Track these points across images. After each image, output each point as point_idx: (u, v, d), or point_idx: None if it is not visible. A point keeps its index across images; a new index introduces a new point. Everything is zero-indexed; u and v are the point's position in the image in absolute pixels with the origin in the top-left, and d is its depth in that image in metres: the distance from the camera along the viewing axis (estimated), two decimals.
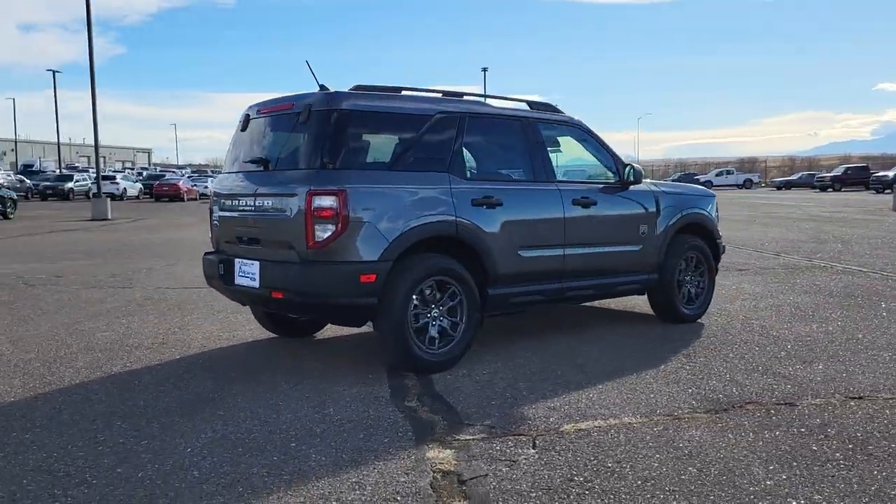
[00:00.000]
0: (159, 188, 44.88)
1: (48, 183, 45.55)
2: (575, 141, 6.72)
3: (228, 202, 5.83)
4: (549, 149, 6.38)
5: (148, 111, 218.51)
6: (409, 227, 5.26)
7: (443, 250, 5.56)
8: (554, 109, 6.62)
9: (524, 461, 3.80)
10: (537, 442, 4.07)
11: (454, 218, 5.48)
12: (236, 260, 5.65)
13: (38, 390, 5.17)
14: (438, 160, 5.60)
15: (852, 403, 4.73)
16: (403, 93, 5.77)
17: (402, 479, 3.58)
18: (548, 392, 4.99)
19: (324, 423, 4.39)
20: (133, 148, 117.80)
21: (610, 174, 6.76)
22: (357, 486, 3.49)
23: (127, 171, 64.80)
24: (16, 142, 75.83)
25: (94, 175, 33.29)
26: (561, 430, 4.27)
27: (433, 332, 5.48)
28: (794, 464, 3.75)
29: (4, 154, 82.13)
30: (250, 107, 6.00)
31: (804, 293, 8.88)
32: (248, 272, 5.51)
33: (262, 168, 5.59)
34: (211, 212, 6.13)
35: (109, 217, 27.03)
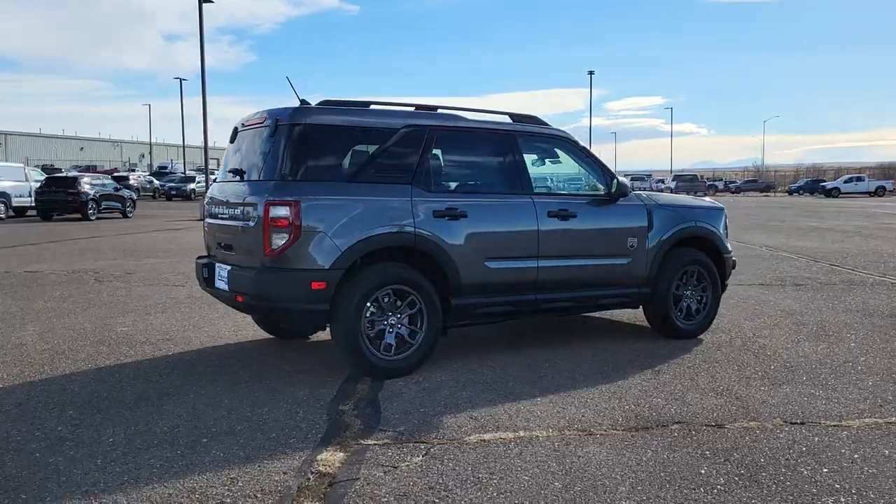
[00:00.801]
0: None
1: (173, 184, 48.40)
2: (560, 153, 6.73)
3: (214, 209, 6.21)
4: (530, 161, 6.43)
5: None
6: (362, 238, 5.46)
7: (405, 260, 5.72)
8: (538, 122, 6.66)
9: (404, 467, 3.94)
10: (432, 450, 4.18)
11: (413, 229, 5.64)
12: (217, 264, 6.01)
13: (29, 378, 5.69)
14: (402, 173, 5.78)
15: (786, 428, 4.59)
16: (372, 107, 5.97)
17: (276, 479, 3.79)
18: (484, 402, 5.07)
19: (248, 422, 4.66)
20: None
21: (598, 187, 6.73)
22: (229, 482, 3.73)
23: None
24: (150, 145, 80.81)
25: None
26: (464, 439, 4.37)
27: (390, 339, 5.66)
28: (667, 486, 3.72)
29: (143, 156, 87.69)
30: (240, 120, 6.36)
31: (844, 311, 8.49)
32: (222, 276, 5.87)
33: (238, 178, 5.93)
34: (203, 217, 6.54)
35: None
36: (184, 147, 58.48)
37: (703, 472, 3.91)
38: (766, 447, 4.27)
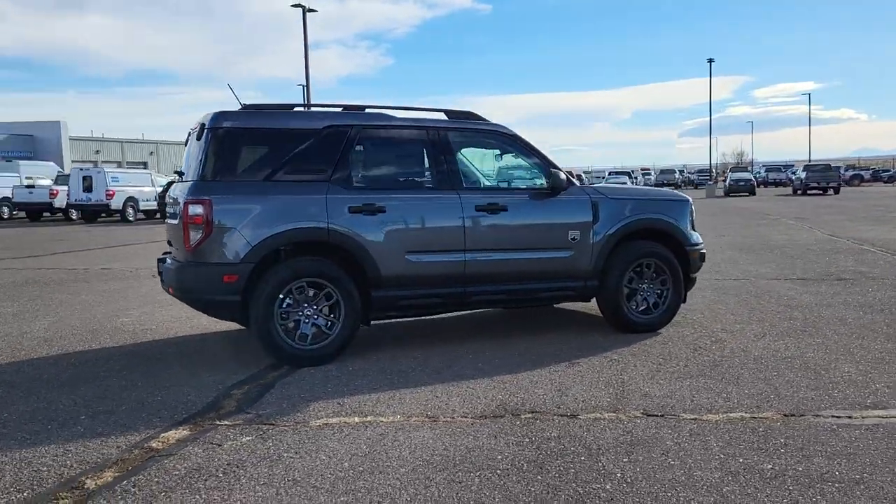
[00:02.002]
0: None
1: None
2: (499, 148, 6.81)
3: (168, 209, 6.73)
4: (465, 157, 6.56)
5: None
6: (273, 233, 5.79)
7: (323, 254, 6.01)
8: (476, 118, 6.76)
9: (227, 445, 4.23)
10: (268, 432, 4.45)
11: (326, 225, 5.91)
12: (167, 260, 6.52)
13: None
14: (320, 172, 6.06)
15: (636, 420, 4.55)
16: (296, 109, 6.28)
17: (104, 451, 4.16)
18: (368, 390, 5.28)
19: (137, 402, 5.09)
20: None
21: (539, 181, 6.76)
22: (62, 453, 4.14)
23: None
24: None
25: None
26: (309, 423, 4.61)
27: (305, 329, 5.95)
28: (450, 469, 3.82)
29: None
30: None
31: (855, 307, 8.03)
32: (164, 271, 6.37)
33: (180, 179, 6.41)
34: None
35: None
36: None
37: (499, 457, 3.97)
38: (596, 437, 4.26)
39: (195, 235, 5.75)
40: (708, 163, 71.01)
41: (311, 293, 5.96)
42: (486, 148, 6.84)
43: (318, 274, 5.91)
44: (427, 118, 6.55)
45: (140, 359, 6.36)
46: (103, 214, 30.67)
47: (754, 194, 46.23)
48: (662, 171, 77.05)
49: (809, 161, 67.24)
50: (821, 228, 18.65)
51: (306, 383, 5.49)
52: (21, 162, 42.15)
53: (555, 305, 8.11)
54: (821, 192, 43.99)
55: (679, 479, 3.66)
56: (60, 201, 31.06)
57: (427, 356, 6.20)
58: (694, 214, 7.29)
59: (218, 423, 4.65)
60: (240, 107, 6.31)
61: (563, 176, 6.58)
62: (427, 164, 6.43)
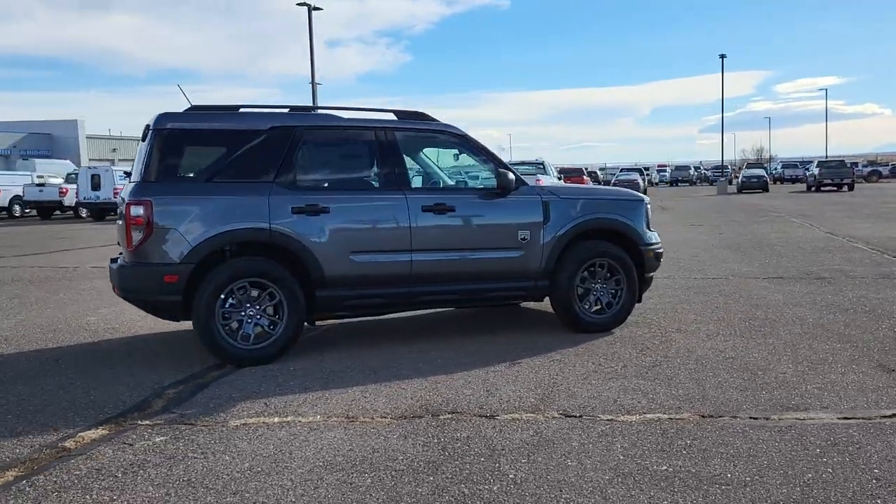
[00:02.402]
0: None
1: None
2: (449, 149, 6.82)
3: (119, 209, 6.79)
4: (412, 157, 6.59)
5: (432, 114, 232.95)
6: (213, 234, 5.85)
7: (266, 254, 6.06)
8: (425, 118, 6.77)
9: (138, 446, 4.29)
10: (183, 431, 4.51)
11: (268, 225, 5.96)
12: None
13: None
14: (263, 172, 6.11)
15: (551, 421, 4.56)
16: (242, 110, 6.33)
17: (17, 450, 4.24)
18: (299, 390, 5.32)
19: (69, 402, 5.16)
20: None
21: (491, 181, 6.77)
22: None
23: None
24: None
25: None
26: (228, 423, 4.66)
27: (248, 329, 6.01)
28: (346, 470, 3.85)
29: None
30: None
31: (818, 307, 7.98)
32: None
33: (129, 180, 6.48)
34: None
35: None
36: None
37: (400, 458, 4.00)
38: (505, 438, 4.27)
39: (137, 236, 5.82)
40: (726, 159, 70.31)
41: (254, 293, 6.01)
42: (435, 148, 6.85)
43: (259, 274, 5.96)
44: (375, 119, 6.58)
45: (90, 358, 6.44)
46: (112, 213, 30.99)
47: (767, 191, 45.78)
48: (677, 168, 76.63)
49: (826, 157, 66.43)
50: (821, 226, 18.48)
51: (242, 383, 5.54)
52: (37, 160, 42.73)
53: (522, 305, 8.12)
54: (835, 188, 43.51)
55: (569, 480, 3.67)
56: (70, 199, 31.42)
57: (371, 356, 6.24)
58: (650, 214, 7.27)
59: (139, 422, 4.71)
60: (189, 105, 6.34)
61: (511, 176, 6.58)
62: (373, 165, 6.46)
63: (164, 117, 6.06)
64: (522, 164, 28.75)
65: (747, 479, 3.66)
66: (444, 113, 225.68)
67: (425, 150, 6.87)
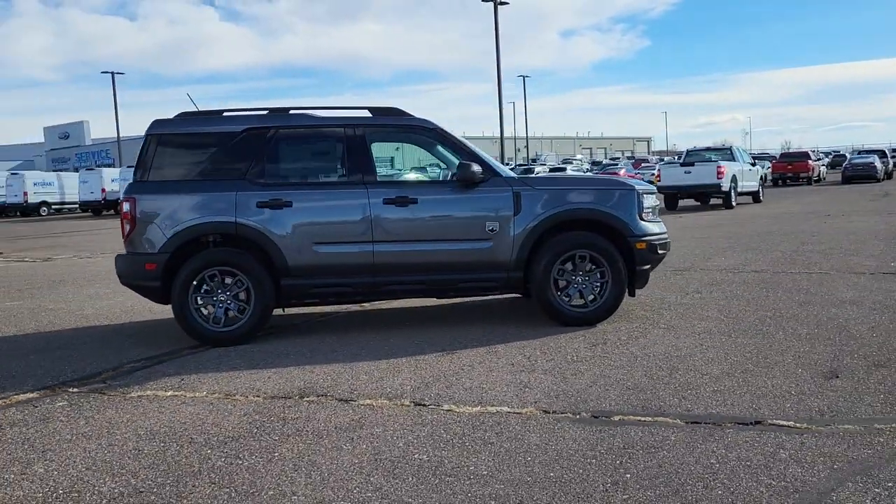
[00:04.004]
0: None
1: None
2: (421, 142, 7.01)
3: None
4: (380, 151, 6.87)
5: (672, 98, 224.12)
6: (184, 227, 6.53)
7: (236, 245, 6.66)
8: (399, 113, 6.99)
9: (38, 408, 5.01)
10: (88, 399, 5.19)
11: (233, 219, 6.55)
12: None
13: None
14: (235, 170, 6.70)
15: (392, 409, 4.71)
16: (225, 114, 6.95)
17: None
18: (229, 368, 5.84)
19: (35, 369, 6.05)
20: (632, 138, 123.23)
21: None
22: None
23: (576, 161, 68.88)
24: (525, 138, 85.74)
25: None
26: (130, 394, 5.29)
27: (219, 312, 6.64)
28: (163, 440, 4.31)
29: (519, 150, 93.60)
30: None
31: (840, 304, 7.25)
32: None
33: None
34: None
35: None
36: (527, 138, 61.42)
37: (213, 431, 4.38)
38: (328, 421, 4.50)
39: (126, 229, 6.64)
40: None
41: (228, 281, 6.60)
42: (408, 143, 7.05)
43: (227, 263, 6.55)
44: (346, 116, 6.91)
45: (93, 336, 7.37)
46: None
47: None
48: None
49: None
50: None
51: (197, 361, 6.16)
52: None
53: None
54: None
55: (319, 462, 3.85)
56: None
57: (332, 341, 6.61)
58: (643, 203, 6.93)
59: (69, 390, 5.46)
60: (196, 110, 7.07)
61: (474, 168, 6.62)
62: (340, 160, 6.81)
63: (156, 123, 6.82)
64: (708, 150, 27.43)
65: (485, 472, 3.62)
66: (683, 98, 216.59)
67: (394, 145, 7.06)
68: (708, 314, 7.12)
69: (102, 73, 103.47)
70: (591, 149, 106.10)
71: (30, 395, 5.35)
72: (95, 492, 3.59)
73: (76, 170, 54.18)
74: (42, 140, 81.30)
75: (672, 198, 24.70)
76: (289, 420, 4.53)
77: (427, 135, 6.96)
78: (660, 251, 6.97)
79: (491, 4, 46.34)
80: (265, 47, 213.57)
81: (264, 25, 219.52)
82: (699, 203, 25.14)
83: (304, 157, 7.02)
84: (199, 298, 6.60)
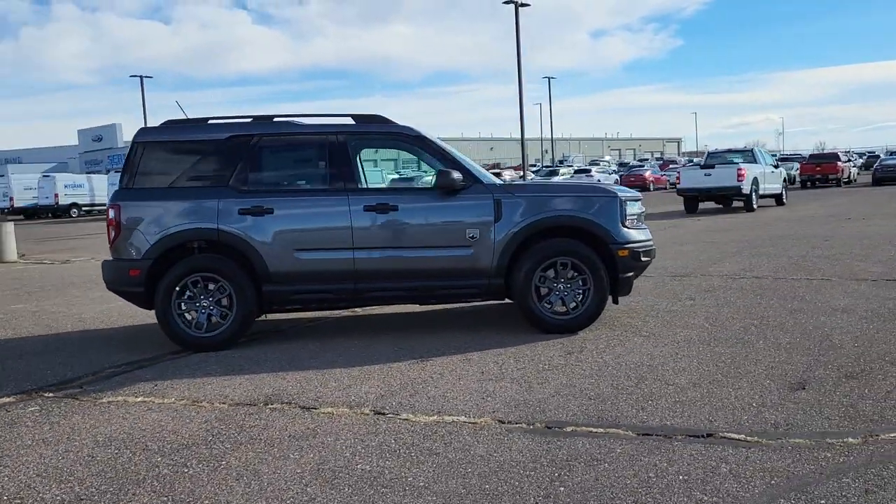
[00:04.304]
0: (626, 179, 47.14)
1: (539, 178, 51.35)
2: (404, 150, 7.03)
3: None
4: (362, 159, 6.93)
5: (704, 99, 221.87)
6: (166, 234, 6.63)
7: (218, 252, 6.74)
8: (382, 121, 7.02)
9: (12, 412, 5.13)
10: (60, 404, 5.28)
11: (215, 226, 6.63)
12: None
13: None
14: (219, 177, 6.78)
15: (350, 417, 4.75)
16: (210, 122, 7.04)
17: None
18: (203, 374, 5.91)
19: (13, 372, 6.18)
20: (662, 138, 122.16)
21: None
22: None
23: (603, 162, 68.41)
24: (551, 140, 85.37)
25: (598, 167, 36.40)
26: (101, 399, 5.37)
27: (201, 318, 6.72)
28: (118, 447, 4.39)
29: (547, 152, 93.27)
30: None
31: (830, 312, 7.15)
32: None
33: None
34: None
35: None
36: (552, 140, 61.20)
37: (169, 438, 4.44)
38: (283, 428, 4.55)
39: (112, 235, 6.75)
40: None
41: (210, 287, 6.68)
42: (390, 149, 7.08)
43: (208, 269, 6.63)
44: (329, 124, 6.97)
45: (84, 339, 7.50)
46: None
47: None
48: None
49: None
50: None
51: (175, 366, 6.24)
52: None
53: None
54: None
55: (262, 471, 3.89)
56: None
57: (314, 347, 6.67)
58: (626, 211, 6.89)
59: (45, 394, 5.57)
60: (185, 118, 7.17)
61: (454, 175, 6.63)
62: (322, 168, 6.86)
63: (142, 131, 6.94)
64: (729, 152, 27.16)
65: (421, 483, 3.63)
66: (715, 98, 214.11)
67: (376, 152, 7.09)
68: (694, 322, 7.05)
69: (131, 76, 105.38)
70: (620, 150, 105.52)
71: (6, 400, 5.45)
72: (38, 499, 3.66)
73: (108, 171, 55.01)
74: (76, 143, 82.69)
75: (692, 200, 24.44)
76: (246, 428, 4.57)
77: (410, 142, 6.98)
78: (643, 258, 6.92)
79: (513, 8, 46.10)
80: (296, 50, 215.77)
81: (295, 28, 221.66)
82: (721, 206, 24.85)
83: (286, 165, 7.08)
84: (182, 304, 6.67)
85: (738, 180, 23.29)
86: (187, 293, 6.68)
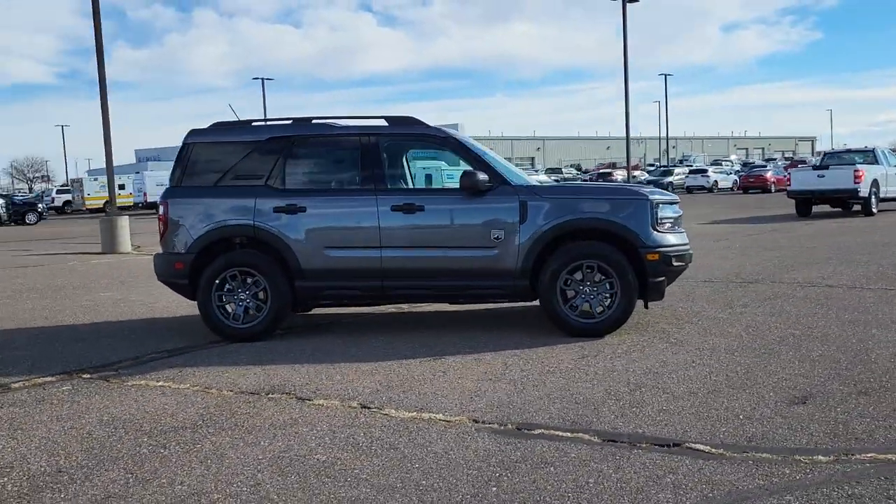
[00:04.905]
0: (746, 180, 45.34)
1: (650, 178, 50.20)
2: (436, 151, 7.16)
3: None
4: (393, 160, 7.13)
5: (846, 94, 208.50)
6: (207, 230, 7.03)
7: (254, 248, 7.10)
8: (414, 123, 7.16)
9: (47, 390, 5.60)
10: (91, 384, 5.72)
11: (252, 222, 6.98)
12: None
13: None
14: (257, 176, 7.13)
15: (334, 410, 4.93)
16: (254, 124, 7.40)
17: None
18: (229, 363, 6.23)
19: (66, 354, 6.70)
20: (794, 137, 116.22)
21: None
22: None
23: (726, 162, 65.60)
24: (666, 139, 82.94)
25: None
26: (127, 383, 5.78)
27: (239, 310, 7.09)
28: (115, 426, 4.75)
29: (669, 150, 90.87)
30: None
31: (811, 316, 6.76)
32: None
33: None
34: None
35: None
36: (660, 138, 59.46)
37: (166, 420, 4.76)
38: (269, 417, 4.78)
39: (161, 230, 7.22)
40: None
41: (248, 280, 7.04)
42: (420, 150, 7.21)
43: (245, 264, 6.98)
44: (363, 125, 7.17)
45: (145, 327, 8.01)
46: None
47: None
48: None
49: None
50: None
51: (207, 355, 6.61)
52: None
53: None
54: None
55: (228, 456, 4.12)
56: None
57: (343, 342, 6.90)
58: (658, 214, 6.75)
59: (83, 376, 6.03)
60: (237, 119, 7.58)
61: (480, 177, 6.70)
62: (354, 168, 7.07)
63: (192, 133, 7.37)
64: (848, 152, 25.72)
65: (358, 473, 3.76)
66: (859, 94, 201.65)
67: (407, 154, 7.24)
68: (731, 330, 6.83)
69: (254, 79, 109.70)
70: (747, 149, 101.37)
71: (48, 379, 5.94)
72: (24, 469, 4.02)
73: None
74: None
75: (805, 203, 23.27)
76: (236, 415, 4.82)
77: (440, 143, 7.08)
78: (675, 263, 6.76)
79: (637, 3, 45.15)
80: (419, 50, 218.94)
81: (419, 29, 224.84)
82: (839, 209, 23.54)
83: (320, 165, 7.33)
84: (222, 296, 7.05)
85: (855, 182, 22.00)
86: (227, 286, 7.04)
